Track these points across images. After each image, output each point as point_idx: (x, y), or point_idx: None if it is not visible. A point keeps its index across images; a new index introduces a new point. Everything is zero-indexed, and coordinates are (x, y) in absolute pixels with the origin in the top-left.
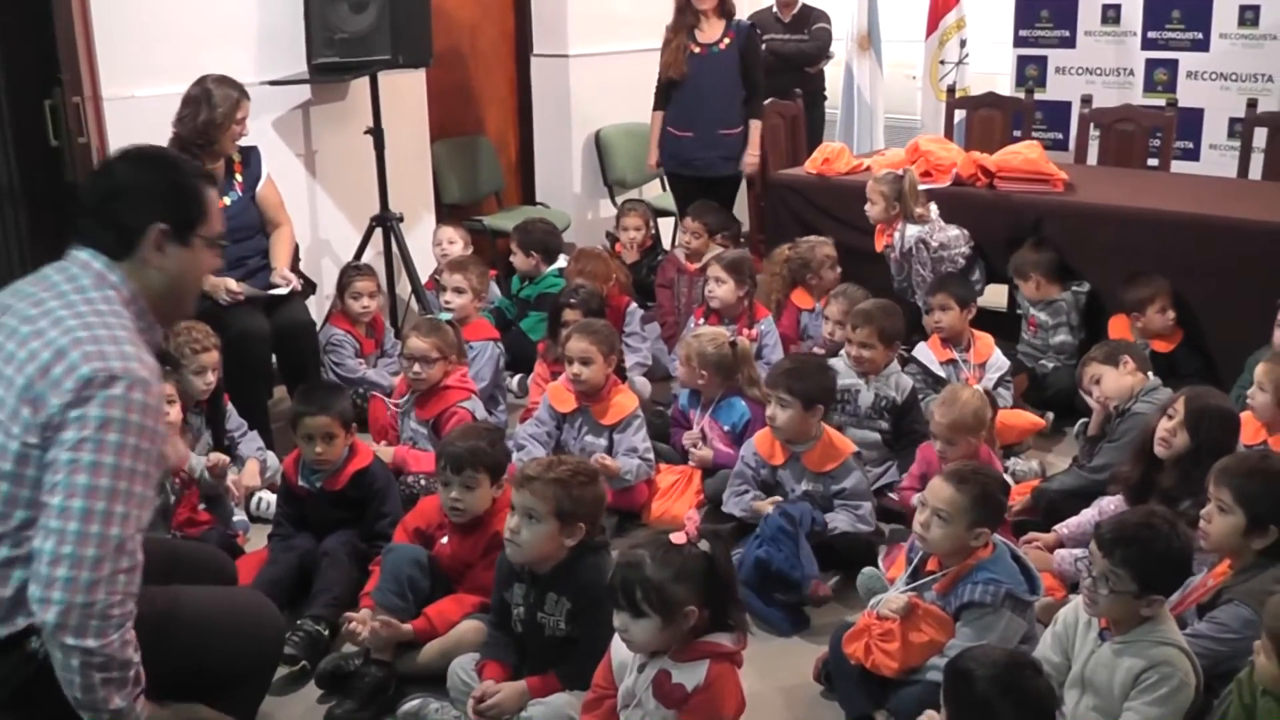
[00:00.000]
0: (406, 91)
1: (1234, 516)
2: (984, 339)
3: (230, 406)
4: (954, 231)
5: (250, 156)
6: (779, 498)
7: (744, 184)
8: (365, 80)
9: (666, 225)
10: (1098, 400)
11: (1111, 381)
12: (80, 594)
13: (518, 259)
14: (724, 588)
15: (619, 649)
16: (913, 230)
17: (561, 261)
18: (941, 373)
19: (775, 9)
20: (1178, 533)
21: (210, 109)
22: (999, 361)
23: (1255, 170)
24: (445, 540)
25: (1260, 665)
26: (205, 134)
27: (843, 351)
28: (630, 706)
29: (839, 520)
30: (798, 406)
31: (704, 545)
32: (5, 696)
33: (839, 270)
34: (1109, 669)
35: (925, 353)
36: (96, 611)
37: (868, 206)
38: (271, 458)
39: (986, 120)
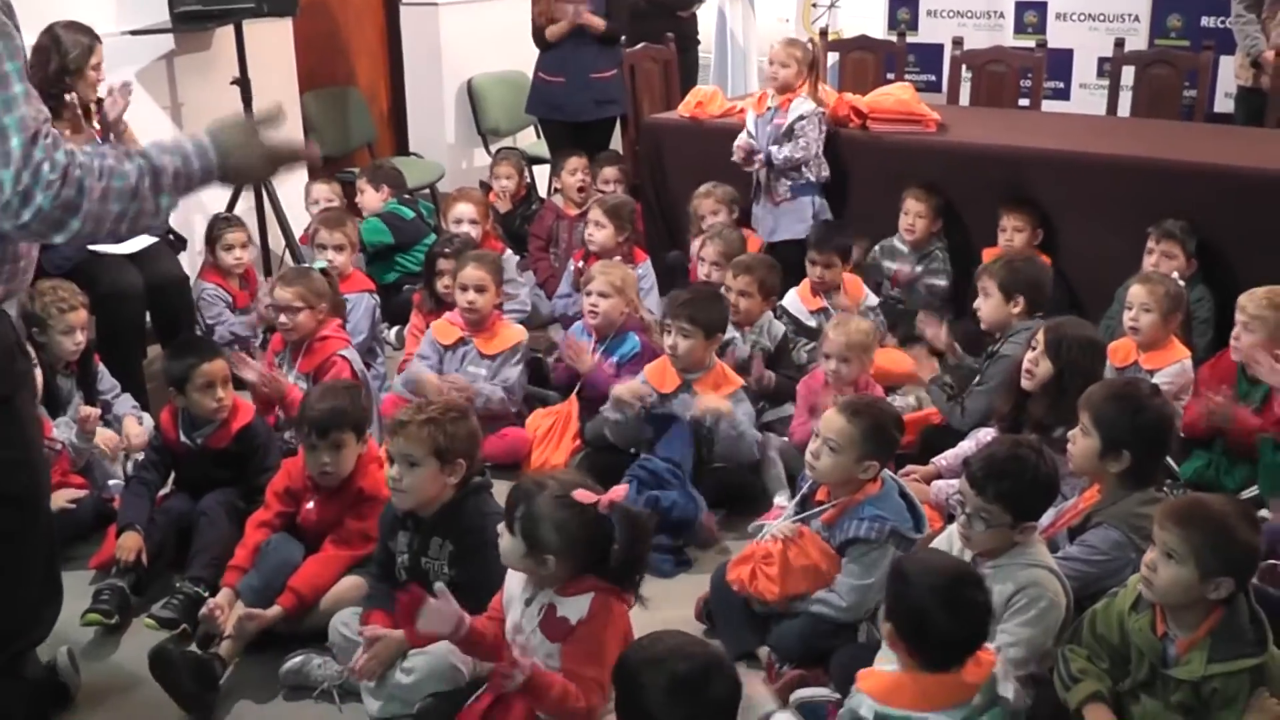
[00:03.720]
0: (273, 41)
1: (1092, 440)
2: (853, 281)
3: (102, 367)
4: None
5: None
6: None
7: (617, 128)
8: (230, 30)
9: (541, 173)
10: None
11: (992, 309)
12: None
13: (368, 196)
14: (605, 562)
15: (510, 581)
16: (809, 105)
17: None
18: (811, 322)
19: None
20: (1044, 459)
21: (61, 56)
22: (871, 300)
23: (1124, 108)
24: (311, 505)
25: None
26: (58, 82)
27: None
28: (517, 639)
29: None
30: (699, 336)
31: (603, 510)
32: None
33: (724, 215)
34: None
35: (795, 302)
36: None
37: (775, 69)
38: (148, 419)
39: (859, 63)
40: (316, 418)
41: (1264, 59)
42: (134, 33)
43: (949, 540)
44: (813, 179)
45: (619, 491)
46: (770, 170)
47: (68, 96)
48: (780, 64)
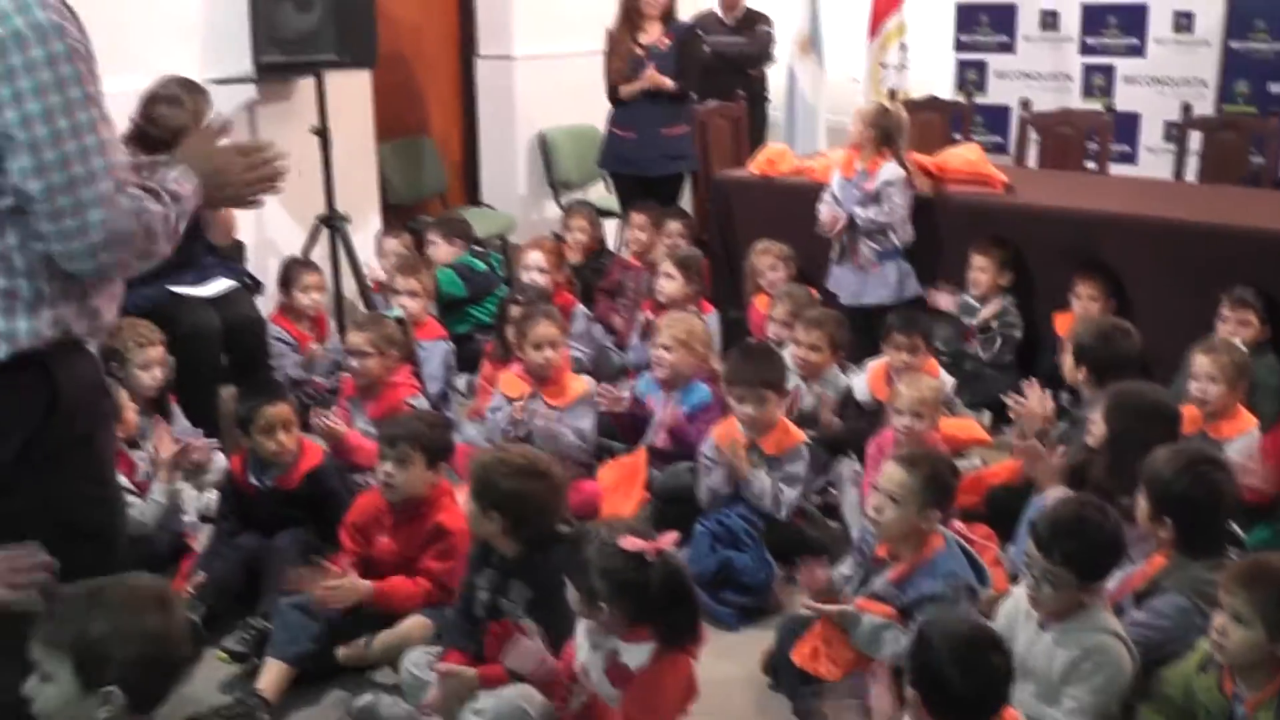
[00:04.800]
0: (352, 92)
1: (1146, 503)
2: (931, 364)
3: (176, 408)
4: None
5: None
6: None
7: (688, 183)
8: (310, 80)
9: (610, 226)
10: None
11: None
12: (95, 240)
13: (440, 249)
14: (654, 612)
15: (581, 622)
16: (897, 171)
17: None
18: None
19: (719, 10)
20: (1109, 519)
21: (182, 111)
22: (949, 384)
23: (1190, 173)
24: (385, 539)
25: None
26: (177, 137)
27: (786, 352)
28: (584, 681)
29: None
30: (773, 398)
31: (650, 558)
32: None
33: (781, 271)
34: (1048, 657)
35: (863, 388)
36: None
37: (865, 133)
38: (220, 457)
39: (927, 124)
40: (389, 430)
41: None
42: (219, 81)
43: (1016, 602)
44: (897, 244)
45: (667, 539)
46: (854, 233)
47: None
48: (869, 127)
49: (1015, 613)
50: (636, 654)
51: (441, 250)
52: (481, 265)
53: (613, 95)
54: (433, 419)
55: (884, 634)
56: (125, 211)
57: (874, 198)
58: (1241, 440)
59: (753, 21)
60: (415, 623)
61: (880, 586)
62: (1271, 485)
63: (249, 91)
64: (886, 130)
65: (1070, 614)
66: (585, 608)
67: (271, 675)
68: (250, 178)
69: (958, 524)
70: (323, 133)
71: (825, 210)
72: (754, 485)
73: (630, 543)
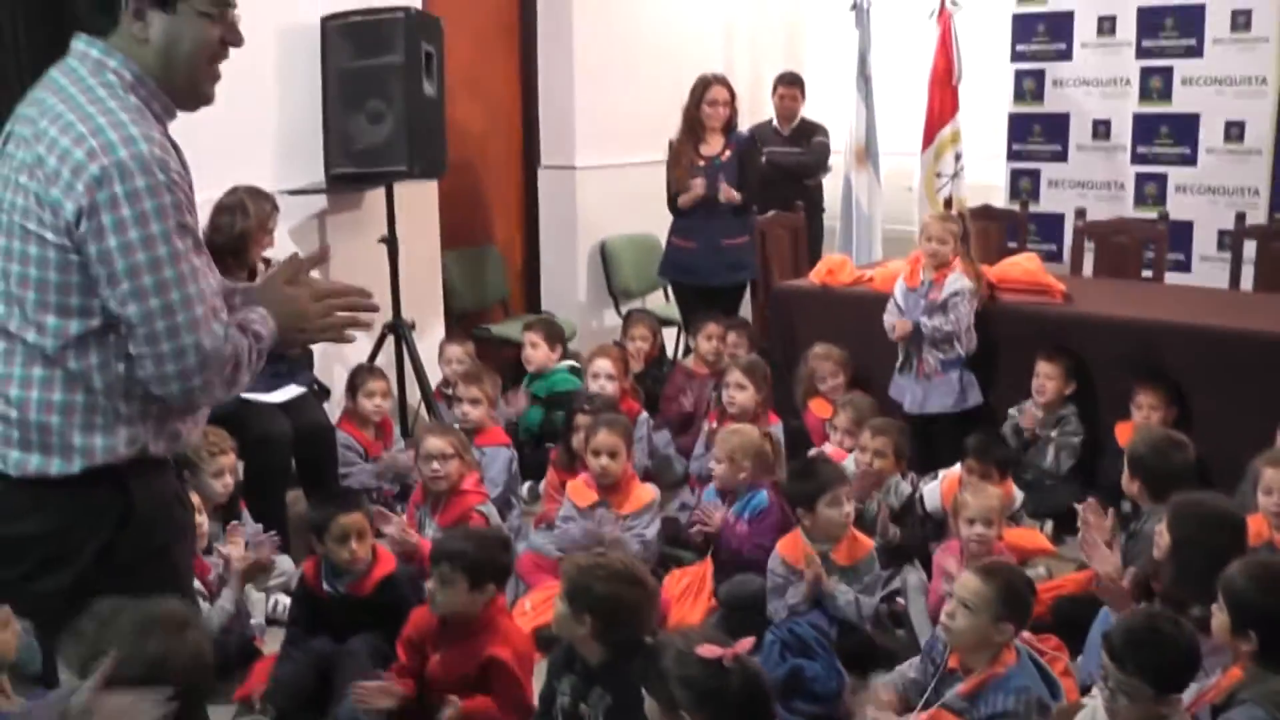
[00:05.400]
0: (419, 201)
1: (1224, 616)
2: (1006, 484)
3: (246, 513)
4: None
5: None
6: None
7: (748, 293)
8: (379, 189)
9: (669, 334)
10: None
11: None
12: (190, 363)
13: (539, 351)
14: (734, 714)
15: None
16: (964, 282)
17: (569, 361)
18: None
19: (775, 121)
20: (1183, 630)
21: (245, 219)
22: (1019, 500)
23: (1246, 281)
24: (436, 658)
25: None
26: (239, 243)
27: (850, 459)
28: None
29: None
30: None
31: (728, 664)
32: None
33: (841, 377)
34: None
35: (935, 498)
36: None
37: (934, 245)
38: (285, 560)
39: (982, 231)
40: (438, 546)
41: None
42: (292, 192)
43: (1092, 713)
44: (961, 353)
45: (745, 644)
46: (918, 341)
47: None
48: (938, 240)
49: None
50: None
51: (541, 353)
52: (578, 382)
53: (673, 205)
54: (492, 537)
55: None
56: (218, 337)
57: (941, 307)
58: None
59: (809, 132)
60: None
61: (951, 699)
62: None
63: (320, 202)
64: (960, 239)
65: None
66: (665, 718)
67: None
68: (327, 323)
69: (1027, 634)
70: (391, 242)
71: (890, 319)
72: (839, 599)
73: (708, 650)
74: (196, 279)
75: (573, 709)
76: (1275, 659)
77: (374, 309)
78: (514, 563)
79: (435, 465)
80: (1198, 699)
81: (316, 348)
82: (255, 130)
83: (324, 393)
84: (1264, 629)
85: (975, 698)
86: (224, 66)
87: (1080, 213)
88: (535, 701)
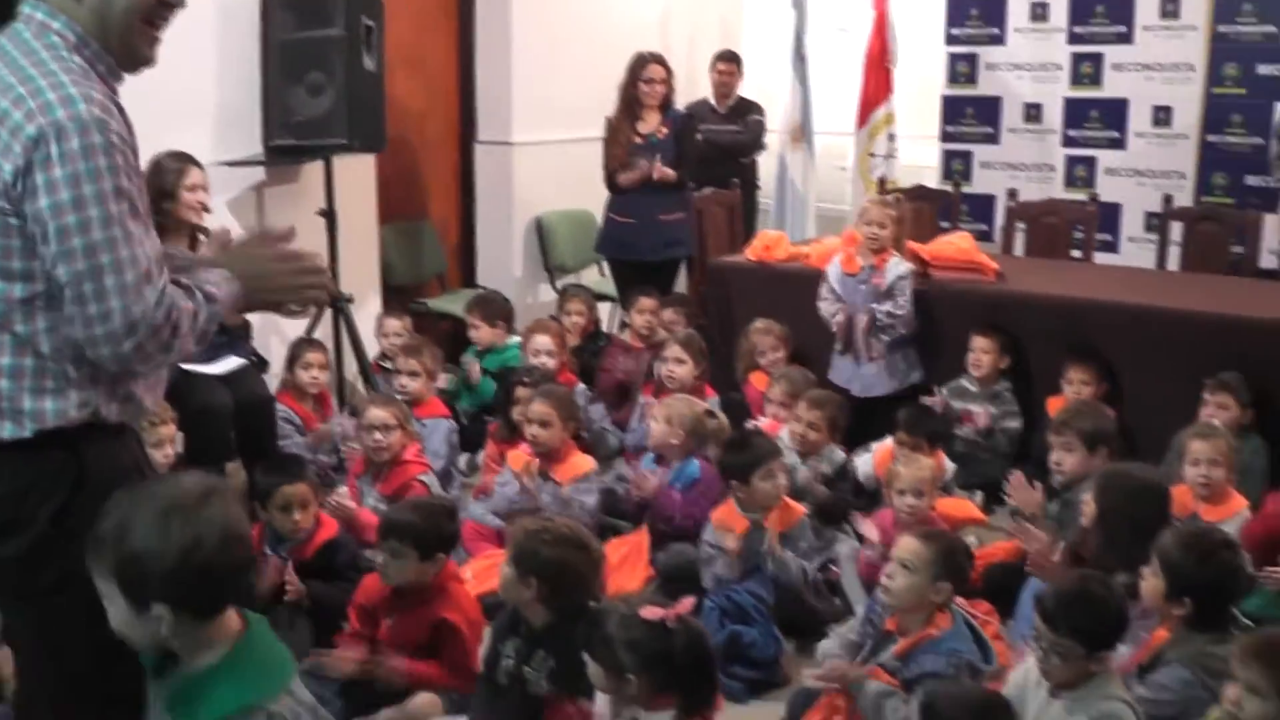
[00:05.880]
0: (357, 176)
1: (1159, 582)
2: (937, 455)
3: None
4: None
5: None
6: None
7: (683, 269)
8: (317, 163)
9: (604, 309)
10: (1054, 468)
11: (1077, 462)
12: (115, 328)
13: (482, 332)
14: (680, 678)
15: (600, 696)
16: (906, 266)
17: (519, 337)
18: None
19: (712, 99)
20: (1112, 592)
21: (161, 180)
22: (950, 471)
23: (1172, 262)
24: (389, 623)
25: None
26: (159, 206)
27: (784, 431)
28: None
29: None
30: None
31: (671, 625)
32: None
33: (782, 352)
34: None
35: (868, 467)
36: (142, 334)
37: (873, 230)
38: None
39: (916, 212)
40: (385, 520)
41: None
42: (230, 163)
43: (1026, 672)
44: (905, 334)
45: (686, 604)
46: (851, 327)
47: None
48: (878, 224)
49: (1025, 682)
50: None
51: (484, 333)
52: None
53: (611, 182)
54: (438, 507)
55: (887, 701)
56: (149, 304)
57: (888, 294)
58: (1233, 521)
59: (745, 110)
60: (424, 700)
61: (886, 659)
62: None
63: (258, 174)
64: (896, 223)
65: (1080, 683)
66: (612, 683)
67: None
68: (291, 284)
69: (960, 600)
70: (330, 215)
71: (828, 307)
72: (791, 567)
73: (651, 612)
74: (130, 244)
75: (517, 671)
76: (1204, 623)
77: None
78: (460, 530)
79: (378, 436)
80: (1126, 662)
81: (255, 319)
82: (193, 101)
83: (262, 365)
84: (1197, 595)
85: (906, 659)
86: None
87: (1012, 194)
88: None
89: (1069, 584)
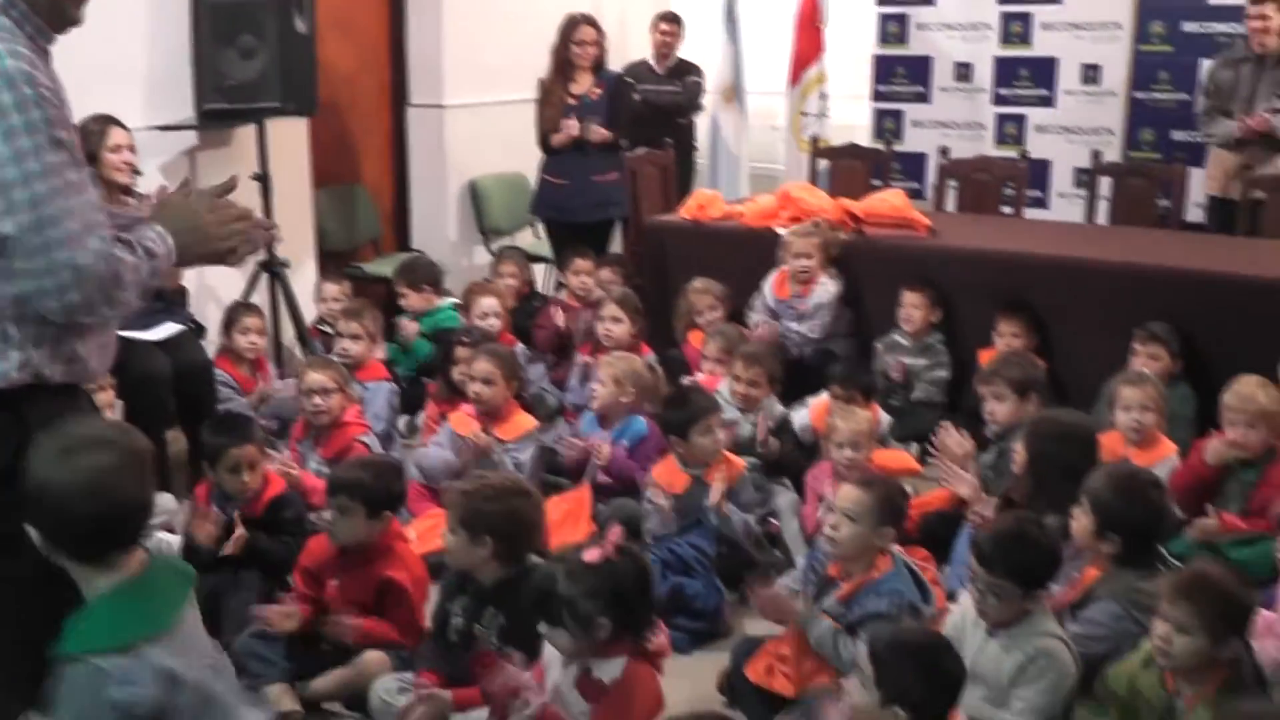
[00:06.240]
0: (290, 140)
1: (1089, 520)
2: (872, 407)
3: None
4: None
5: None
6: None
7: (618, 229)
8: (250, 127)
9: (538, 271)
10: (988, 417)
11: (1008, 410)
12: (64, 279)
13: (410, 298)
14: (634, 604)
15: (549, 647)
16: (829, 293)
17: (453, 299)
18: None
19: (651, 60)
20: (1046, 533)
21: (84, 143)
22: (885, 423)
23: (1101, 216)
24: (335, 583)
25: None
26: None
27: (722, 385)
28: (555, 701)
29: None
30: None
31: (613, 558)
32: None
33: (720, 311)
34: (996, 662)
35: (805, 423)
36: (89, 279)
37: (800, 261)
38: (167, 499)
39: (849, 170)
40: (333, 479)
41: (1247, 126)
42: (162, 128)
43: (963, 613)
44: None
45: (616, 532)
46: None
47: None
48: (805, 256)
49: (963, 623)
50: (609, 668)
51: (412, 299)
52: (457, 321)
53: (544, 144)
54: (385, 465)
55: (839, 638)
56: (93, 253)
57: (808, 315)
58: (1163, 466)
59: (684, 71)
60: (372, 657)
61: (829, 604)
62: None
63: (190, 139)
64: (829, 252)
65: (1015, 621)
66: (583, 635)
67: (283, 694)
68: (225, 233)
69: (896, 548)
70: (263, 179)
71: (755, 319)
72: (734, 521)
73: (593, 554)
74: (71, 193)
75: (467, 629)
76: (1132, 560)
77: (271, 230)
78: (406, 489)
79: (317, 400)
80: (1057, 599)
81: (191, 285)
82: (123, 65)
83: (199, 331)
84: (1125, 532)
85: (850, 602)
86: None
87: (943, 151)
88: (427, 623)
89: (1004, 526)
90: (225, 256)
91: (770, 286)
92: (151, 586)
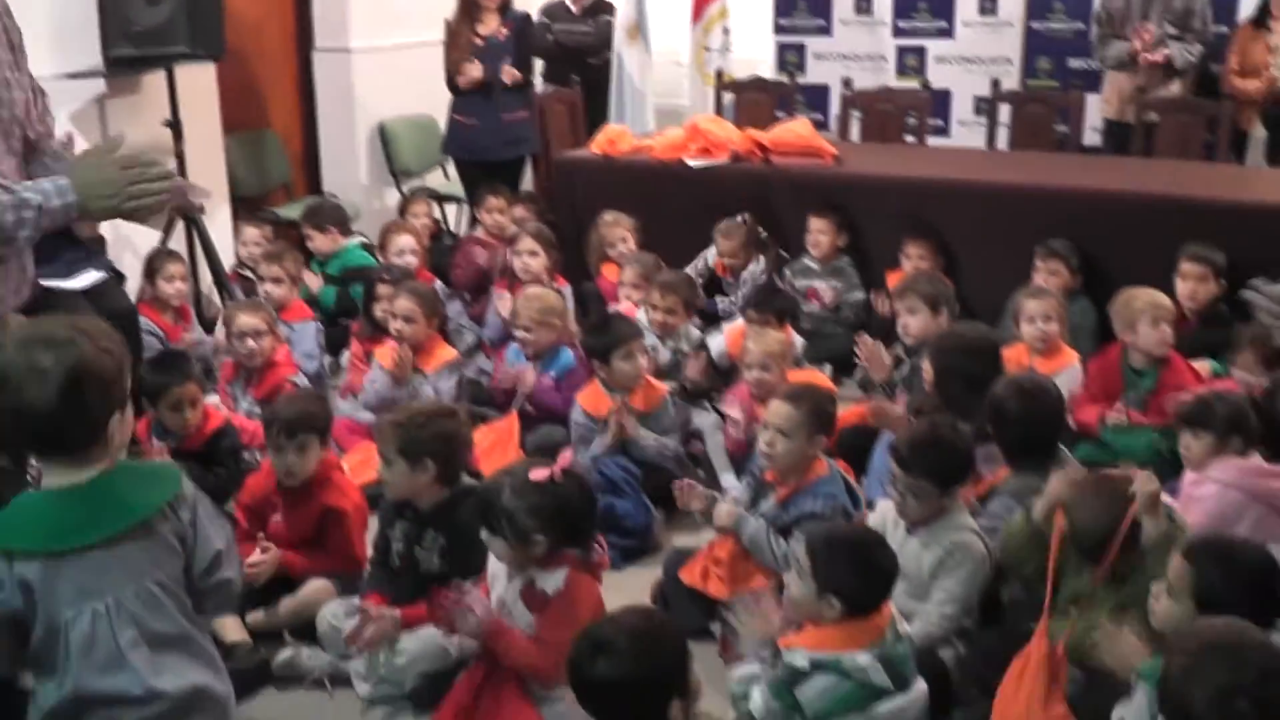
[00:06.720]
0: (198, 86)
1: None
2: (786, 330)
3: None
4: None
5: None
6: None
7: (529, 166)
8: (157, 74)
9: (450, 210)
10: (902, 332)
11: (921, 324)
12: None
13: (316, 240)
14: (576, 525)
15: (494, 559)
16: (759, 268)
17: (359, 238)
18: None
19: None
20: (960, 435)
21: None
22: (798, 345)
23: (1001, 143)
24: (278, 518)
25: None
26: None
27: (641, 313)
28: (501, 613)
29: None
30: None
31: (559, 479)
32: None
33: (632, 242)
34: (916, 558)
35: (720, 347)
36: None
37: (723, 259)
38: None
39: (753, 103)
40: (288, 419)
41: (1140, 52)
42: (69, 76)
43: (882, 515)
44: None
45: (566, 457)
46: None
47: None
48: (729, 255)
49: (883, 524)
50: (553, 580)
51: (319, 242)
52: (371, 258)
53: (453, 85)
54: (311, 395)
55: (771, 537)
56: None
57: (739, 287)
58: (1067, 374)
59: (598, 10)
60: (318, 586)
61: (766, 507)
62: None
63: (98, 86)
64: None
65: (934, 519)
66: (519, 551)
67: (231, 626)
68: (135, 192)
69: None
70: (175, 125)
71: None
72: (648, 444)
73: (539, 473)
74: None
75: (408, 553)
76: (1029, 459)
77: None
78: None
79: (250, 342)
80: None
81: (106, 234)
82: (26, 12)
83: (120, 279)
84: (1000, 430)
85: (787, 504)
86: None
87: (846, 83)
88: (369, 550)
89: (920, 430)
90: (135, 216)
91: (711, 259)
92: (80, 500)
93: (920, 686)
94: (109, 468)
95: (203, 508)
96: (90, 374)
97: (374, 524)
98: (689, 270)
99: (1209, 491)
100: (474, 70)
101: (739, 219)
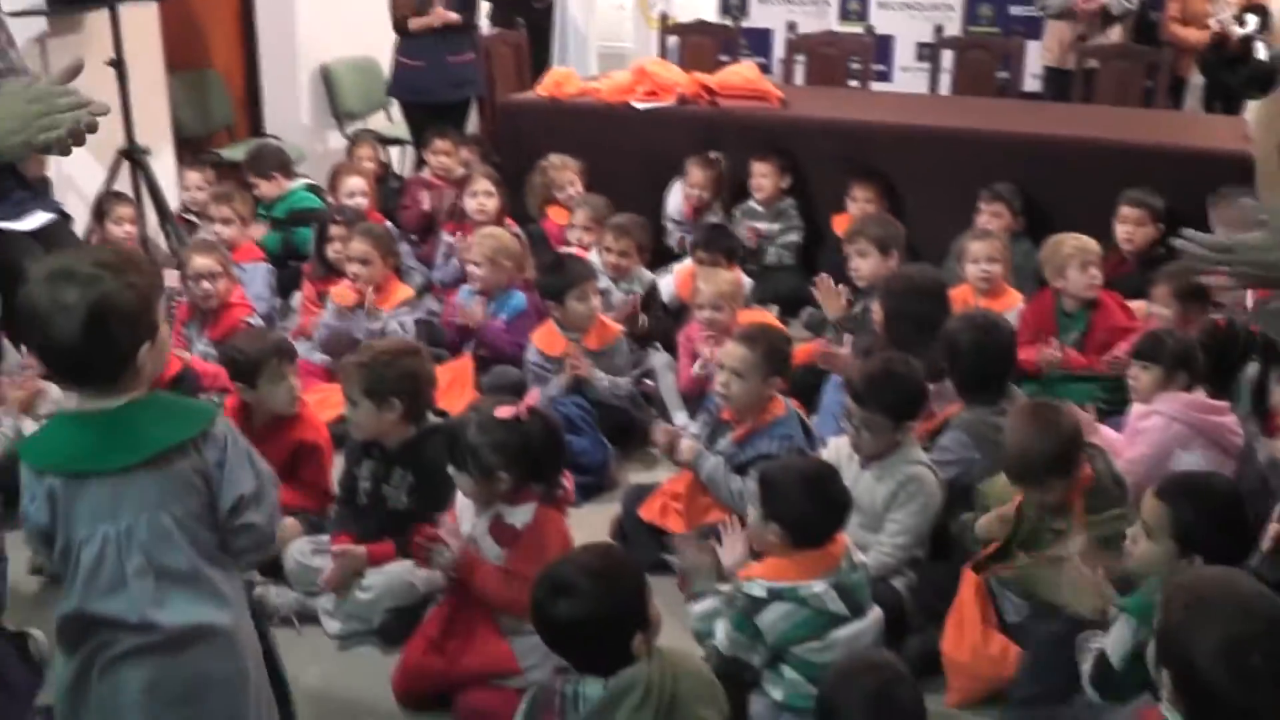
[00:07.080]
0: (140, 25)
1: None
2: (733, 268)
3: (7, 344)
4: None
5: None
6: None
7: (474, 108)
8: (101, 13)
9: (394, 153)
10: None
11: (872, 266)
12: None
13: (261, 187)
14: (540, 462)
15: (461, 496)
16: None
17: (305, 180)
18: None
19: None
20: (913, 369)
21: None
22: (748, 286)
23: (944, 88)
24: None
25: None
26: None
27: (594, 255)
28: (470, 548)
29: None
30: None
31: (524, 418)
32: None
33: (579, 186)
34: (870, 492)
35: (670, 288)
36: None
37: (698, 192)
38: (54, 389)
39: (697, 46)
40: (281, 346)
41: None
42: (10, 14)
43: (836, 450)
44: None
45: (533, 397)
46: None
47: None
48: (701, 186)
49: (837, 459)
50: (520, 514)
51: (265, 188)
52: (319, 201)
53: (400, 27)
54: (260, 333)
55: (727, 474)
56: None
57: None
58: (1011, 313)
59: None
60: (285, 523)
61: (723, 445)
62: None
63: (40, 24)
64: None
65: (887, 452)
66: (483, 486)
67: None
68: (46, 123)
69: None
70: (119, 65)
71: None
72: (602, 384)
73: (504, 411)
74: None
75: (375, 491)
76: (979, 393)
77: (103, 110)
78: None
79: (205, 284)
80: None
81: (53, 174)
82: None
83: (68, 220)
84: (965, 365)
85: (744, 443)
86: None
87: (791, 26)
88: (335, 487)
89: (874, 366)
90: (50, 146)
91: (678, 202)
92: (101, 427)
93: (875, 613)
94: (139, 396)
95: (235, 450)
96: (114, 309)
97: (338, 462)
98: (668, 208)
99: (1154, 424)
100: (448, 15)
101: (710, 155)
